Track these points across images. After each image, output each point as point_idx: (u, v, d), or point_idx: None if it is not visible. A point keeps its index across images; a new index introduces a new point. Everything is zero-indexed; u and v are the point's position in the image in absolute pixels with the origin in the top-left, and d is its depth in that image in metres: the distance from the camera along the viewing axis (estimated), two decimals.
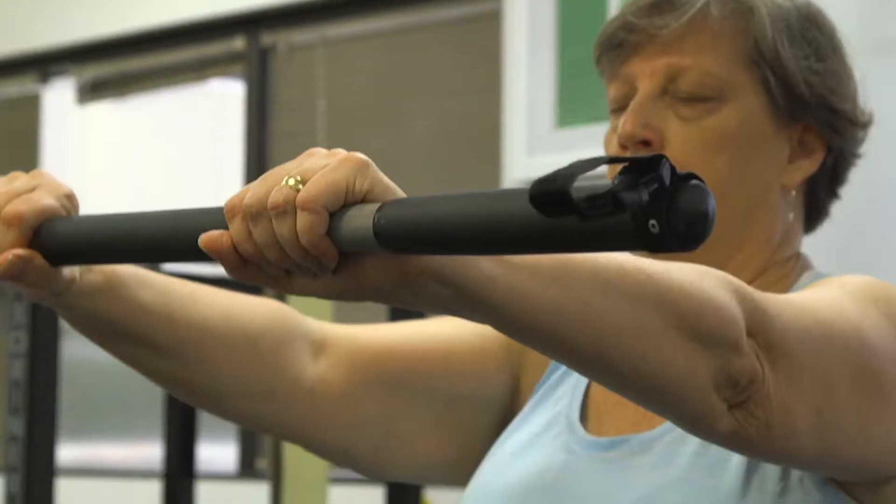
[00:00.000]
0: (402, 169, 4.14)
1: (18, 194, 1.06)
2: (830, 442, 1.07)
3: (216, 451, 4.60)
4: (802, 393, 1.05)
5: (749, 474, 1.14)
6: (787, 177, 1.25)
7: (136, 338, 1.20)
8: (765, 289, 1.09)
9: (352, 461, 1.32)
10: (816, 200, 1.28)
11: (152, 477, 3.86)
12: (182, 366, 1.22)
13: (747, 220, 1.22)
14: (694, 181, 0.82)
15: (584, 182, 0.81)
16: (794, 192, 1.26)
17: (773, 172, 1.23)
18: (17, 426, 2.60)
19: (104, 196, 4.85)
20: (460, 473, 1.33)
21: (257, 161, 4.61)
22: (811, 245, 1.31)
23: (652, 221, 0.80)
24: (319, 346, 1.29)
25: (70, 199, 1.09)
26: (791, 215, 1.26)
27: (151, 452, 4.30)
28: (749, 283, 1.08)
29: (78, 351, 4.52)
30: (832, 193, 1.30)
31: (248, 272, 0.92)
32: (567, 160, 0.82)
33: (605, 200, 0.80)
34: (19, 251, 1.04)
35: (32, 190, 1.07)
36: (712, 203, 0.83)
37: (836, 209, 1.32)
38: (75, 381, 4.46)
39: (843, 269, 1.23)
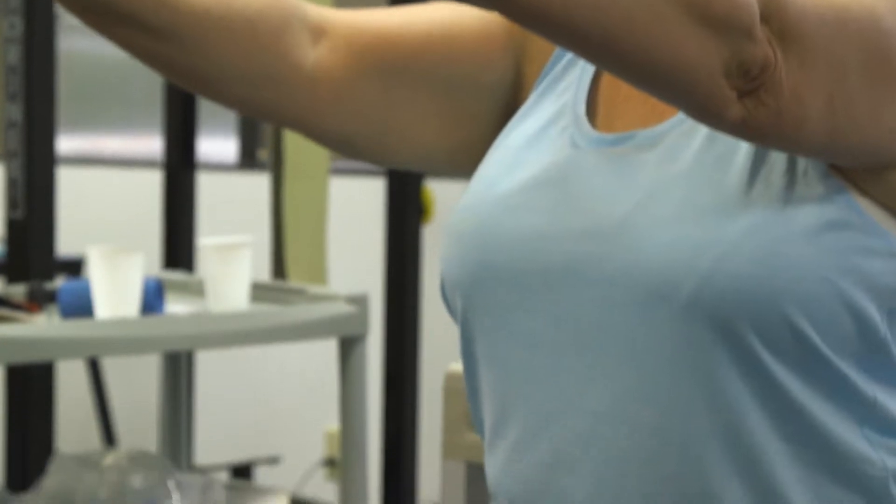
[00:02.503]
0: None
1: None
2: (840, 127, 1.06)
3: (217, 145, 4.60)
4: (814, 79, 1.03)
5: (755, 168, 1.13)
6: None
7: (129, 17, 1.17)
8: None
9: (354, 149, 1.31)
10: None
11: (153, 167, 3.87)
12: (179, 49, 1.20)
13: None
14: None
15: None
16: None
17: None
18: (16, 112, 2.59)
19: None
20: (463, 163, 1.31)
21: None
22: None
23: None
24: (319, 31, 1.27)
25: None
26: None
27: (152, 145, 4.30)
28: None
29: (78, 44, 4.49)
30: None
31: None
32: None
33: None
34: None
35: None
36: None
37: None
38: (75, 74, 4.43)
39: None
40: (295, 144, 3.29)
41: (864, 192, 1.13)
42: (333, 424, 4.00)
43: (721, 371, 1.10)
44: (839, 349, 1.11)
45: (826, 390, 1.12)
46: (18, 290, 2.61)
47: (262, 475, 3.84)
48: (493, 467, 1.23)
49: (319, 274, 3.39)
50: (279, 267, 3.35)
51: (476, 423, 1.30)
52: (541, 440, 1.17)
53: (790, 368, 1.11)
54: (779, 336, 1.10)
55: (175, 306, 2.60)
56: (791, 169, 1.13)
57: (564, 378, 1.16)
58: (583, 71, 1.26)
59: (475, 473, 2.04)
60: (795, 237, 1.10)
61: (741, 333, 1.10)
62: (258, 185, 3.84)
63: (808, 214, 1.11)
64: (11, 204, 2.79)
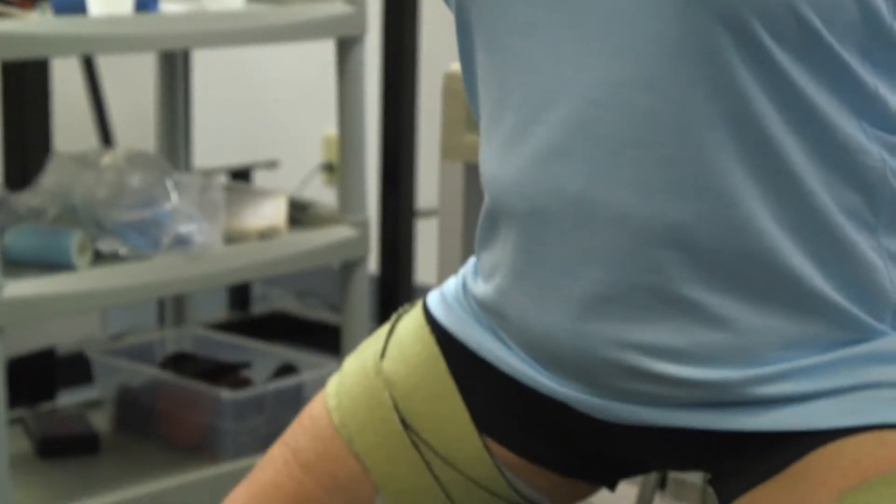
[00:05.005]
0: None
1: None
2: None
3: None
4: None
5: None
6: None
7: None
8: None
9: None
10: None
11: None
12: None
13: None
14: None
15: None
16: None
17: None
18: None
19: None
20: None
21: None
22: None
23: None
24: None
25: None
26: None
27: None
28: None
29: None
30: None
31: None
32: None
33: None
34: None
35: None
36: None
37: None
38: None
39: None
40: None
41: None
42: (332, 129, 4.00)
43: (725, 58, 1.09)
44: (843, 37, 1.10)
45: (828, 79, 1.11)
46: None
47: (260, 179, 3.84)
48: (488, 160, 1.23)
49: None
50: None
51: (474, 113, 1.29)
52: (536, 127, 1.16)
53: (794, 56, 1.09)
54: (783, 23, 1.08)
55: (170, 5, 2.55)
56: None
57: (562, 65, 1.14)
58: None
59: (473, 175, 2.03)
60: None
61: (746, 21, 1.08)
62: None
63: None
64: None
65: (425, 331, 1.34)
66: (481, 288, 1.28)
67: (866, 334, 1.15)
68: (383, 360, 1.35)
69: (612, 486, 1.36)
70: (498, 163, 1.21)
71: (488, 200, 1.25)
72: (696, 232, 1.12)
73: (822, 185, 1.12)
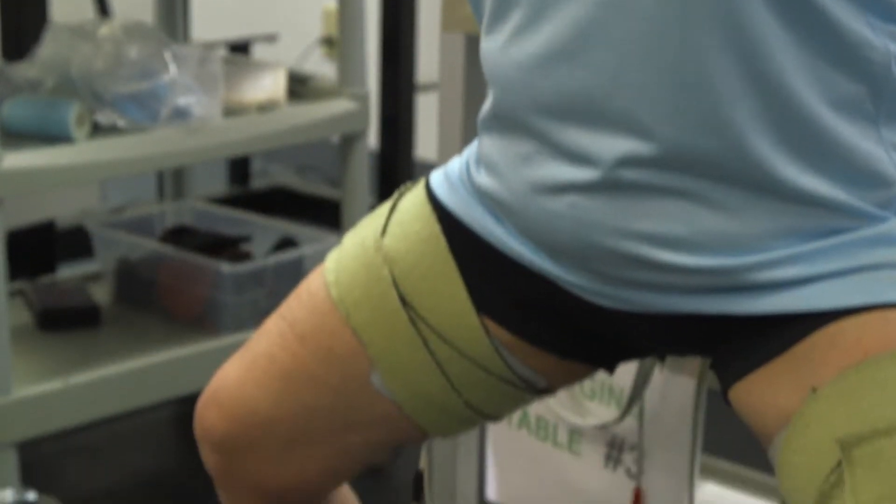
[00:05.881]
0: None
1: None
2: None
3: None
4: None
5: None
6: None
7: None
8: None
9: None
10: None
11: None
12: None
13: None
14: None
15: None
16: None
17: None
18: None
19: None
20: None
21: None
22: None
23: None
24: None
25: None
26: None
27: None
28: None
29: None
30: None
31: None
32: None
33: None
34: None
35: None
36: None
37: None
38: None
39: None
40: None
41: None
42: (331, 1, 3.96)
43: None
44: None
45: None
46: None
47: (259, 53, 3.82)
48: (491, 51, 1.22)
49: None
50: None
51: (475, 13, 1.28)
52: (540, 26, 1.15)
53: None
54: None
55: None
56: None
57: None
58: None
59: (474, 47, 2.01)
60: None
61: None
62: None
63: None
64: None
65: (427, 209, 1.33)
66: (484, 178, 1.27)
67: (870, 221, 1.14)
68: (384, 237, 1.34)
69: (610, 369, 1.36)
70: (500, 56, 1.20)
71: (491, 94, 1.24)
72: (696, 136, 1.11)
73: (813, 81, 1.10)
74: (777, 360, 1.15)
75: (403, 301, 1.32)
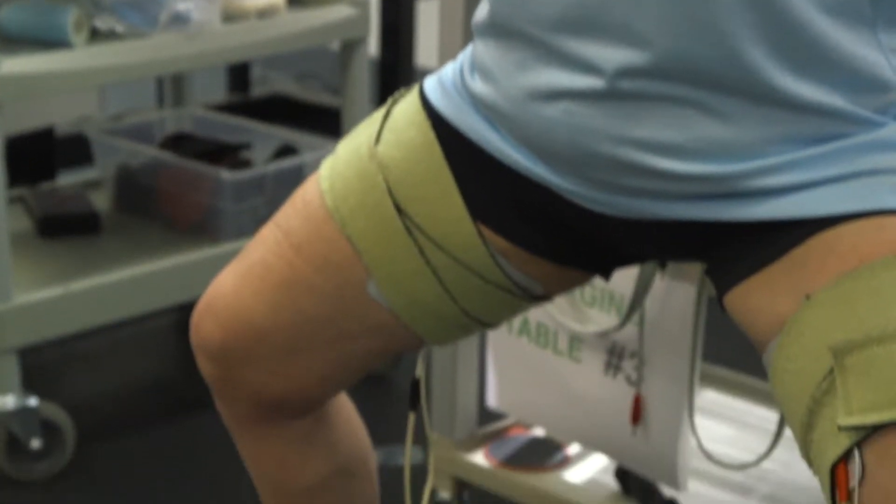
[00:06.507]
0: None
1: None
2: None
3: None
4: None
5: None
6: None
7: None
8: None
9: None
10: None
11: None
12: None
13: None
14: None
15: None
16: None
17: None
18: None
19: None
20: None
21: None
22: None
23: None
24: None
25: None
26: None
27: None
28: None
29: None
30: None
31: None
32: None
33: None
34: None
35: None
36: None
37: None
38: None
39: None
40: None
41: None
42: None
43: None
44: None
45: None
46: None
47: None
48: None
49: None
50: None
51: None
52: None
53: None
54: None
55: None
56: None
57: None
58: None
59: None
60: None
61: None
62: None
63: None
64: None
65: (421, 116, 1.32)
66: (478, 84, 1.26)
67: (868, 127, 1.13)
68: (378, 144, 1.33)
69: (606, 276, 1.36)
70: None
71: (488, 1, 1.22)
72: (692, 45, 1.10)
73: None
74: (772, 267, 1.14)
75: (398, 209, 1.31)
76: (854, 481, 1.06)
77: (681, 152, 1.14)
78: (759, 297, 1.15)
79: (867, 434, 1.06)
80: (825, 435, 1.08)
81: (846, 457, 1.07)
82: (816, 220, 1.12)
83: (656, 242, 1.24)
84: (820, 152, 1.12)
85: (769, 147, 1.12)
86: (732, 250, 1.18)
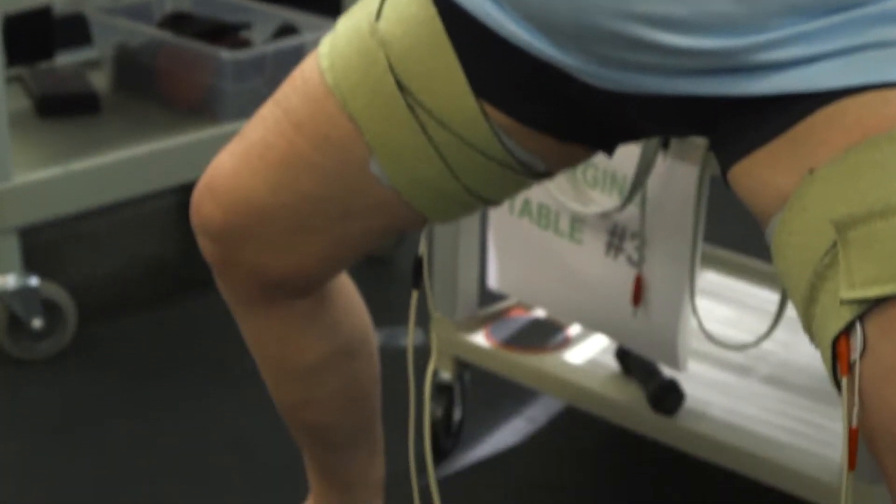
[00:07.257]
0: None
1: None
2: None
3: None
4: None
5: None
6: None
7: None
8: None
9: None
10: None
11: None
12: None
13: None
14: None
15: None
16: None
17: None
18: None
19: None
20: None
21: None
22: None
23: None
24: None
25: None
26: None
27: None
28: None
29: None
30: None
31: None
32: None
33: None
34: None
35: None
36: None
37: None
38: None
39: None
40: None
41: None
42: None
43: None
44: None
45: None
46: None
47: None
48: None
49: None
50: None
51: None
52: None
53: None
54: None
55: None
56: None
57: None
58: None
59: None
60: None
61: None
62: None
63: None
64: None
65: None
66: None
67: None
68: (378, 20, 1.31)
69: (609, 151, 1.34)
70: None
71: None
72: None
73: None
74: (777, 141, 1.13)
75: (400, 86, 1.29)
76: (855, 354, 1.06)
77: (685, 26, 1.12)
78: (762, 172, 1.14)
79: (869, 307, 1.06)
80: (827, 308, 1.08)
81: (848, 330, 1.07)
82: (822, 93, 1.11)
83: (660, 118, 1.23)
84: (826, 24, 1.11)
85: (774, 20, 1.11)
86: (737, 125, 1.17)
